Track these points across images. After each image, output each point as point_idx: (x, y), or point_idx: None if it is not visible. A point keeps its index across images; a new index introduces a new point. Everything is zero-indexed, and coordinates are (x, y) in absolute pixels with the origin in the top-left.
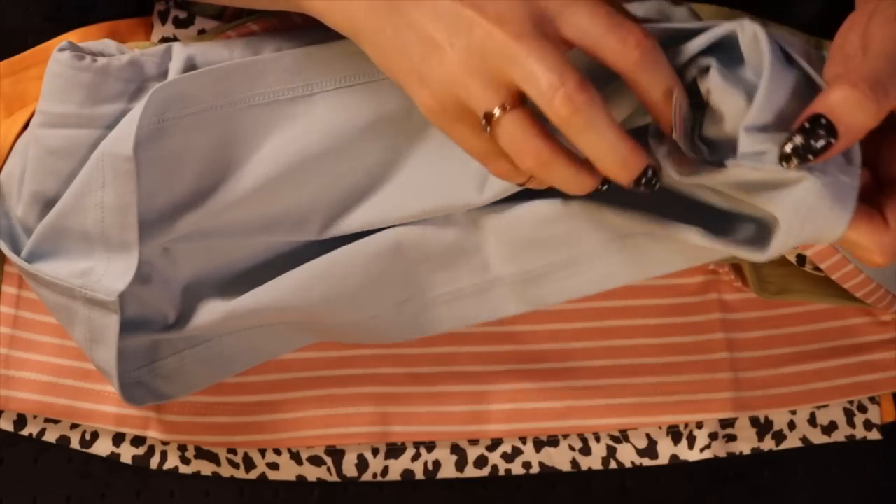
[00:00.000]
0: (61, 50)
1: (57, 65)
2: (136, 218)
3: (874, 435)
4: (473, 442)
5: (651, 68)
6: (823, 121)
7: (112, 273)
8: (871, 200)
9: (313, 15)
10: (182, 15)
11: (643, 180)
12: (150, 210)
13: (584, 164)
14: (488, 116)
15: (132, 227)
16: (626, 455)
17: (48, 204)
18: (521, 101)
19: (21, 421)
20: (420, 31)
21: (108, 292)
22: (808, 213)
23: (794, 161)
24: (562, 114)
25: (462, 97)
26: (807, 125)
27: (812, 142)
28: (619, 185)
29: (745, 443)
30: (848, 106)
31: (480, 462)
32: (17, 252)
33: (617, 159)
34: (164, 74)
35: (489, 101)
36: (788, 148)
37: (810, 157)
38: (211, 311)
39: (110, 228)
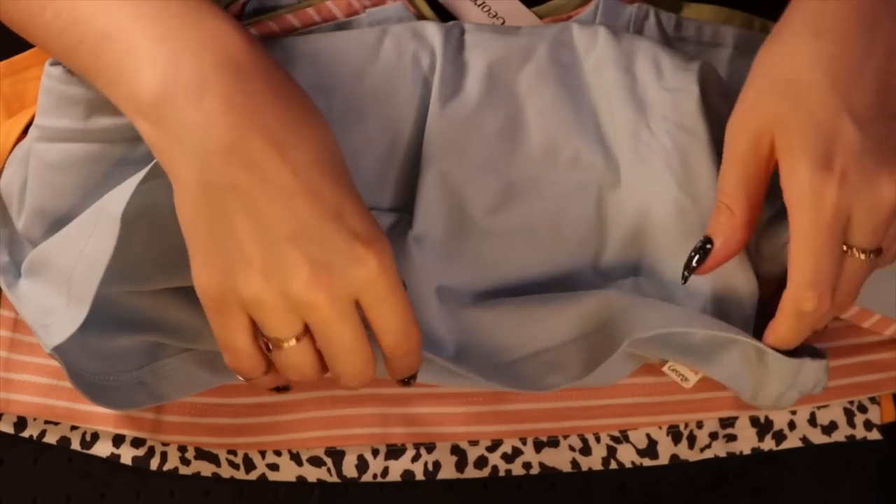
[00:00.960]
0: (53, 64)
1: (49, 80)
2: (100, 277)
3: (874, 435)
4: (473, 443)
5: (402, 357)
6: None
7: (62, 322)
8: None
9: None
10: None
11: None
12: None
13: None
14: (277, 341)
15: (92, 285)
16: (627, 455)
17: (49, 218)
18: (308, 332)
19: (21, 423)
20: (240, 239)
21: (50, 341)
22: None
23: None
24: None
25: (256, 311)
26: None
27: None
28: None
29: (745, 443)
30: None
31: (480, 463)
32: (20, 260)
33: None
34: None
35: (285, 332)
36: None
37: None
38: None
39: (77, 278)
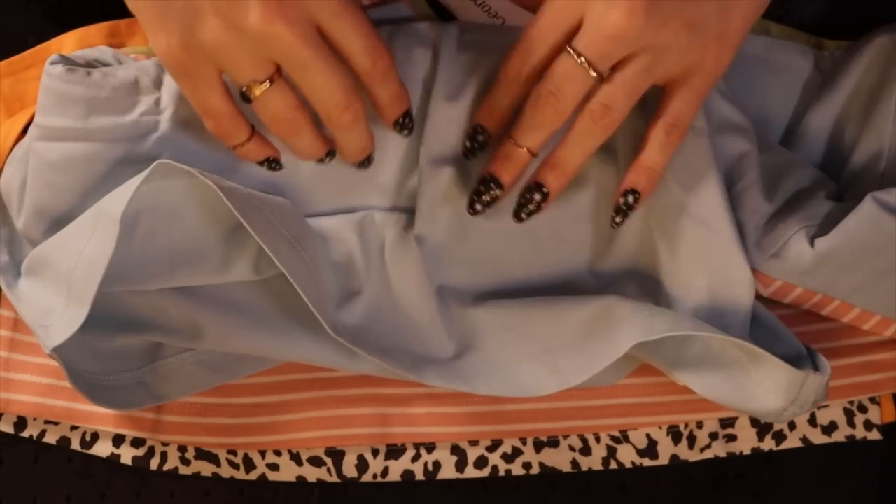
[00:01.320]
0: (53, 63)
1: (49, 79)
2: (100, 278)
3: (874, 435)
4: (473, 443)
5: (381, 79)
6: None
7: (62, 322)
8: None
9: None
10: None
11: (402, 121)
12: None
13: (321, 136)
14: (250, 86)
15: (92, 286)
16: (627, 455)
17: (49, 217)
18: (281, 73)
19: (21, 423)
20: None
21: (50, 341)
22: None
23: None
24: (343, 121)
25: (224, 63)
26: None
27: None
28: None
29: (745, 443)
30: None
31: (480, 463)
32: (20, 259)
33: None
34: (157, 85)
35: (256, 74)
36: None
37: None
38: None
39: (77, 279)
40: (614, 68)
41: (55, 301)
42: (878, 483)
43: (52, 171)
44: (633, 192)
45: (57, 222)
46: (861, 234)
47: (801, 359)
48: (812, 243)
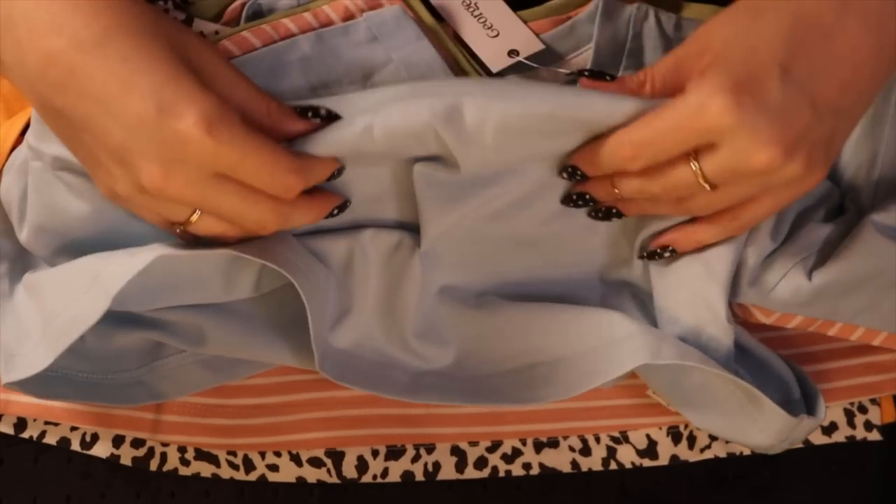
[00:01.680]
0: None
1: None
2: (73, 339)
3: (874, 436)
4: (473, 443)
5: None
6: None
7: (26, 360)
8: None
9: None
10: (181, 17)
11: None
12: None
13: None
14: (182, 223)
15: (66, 342)
16: (627, 456)
17: (50, 234)
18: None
19: (21, 424)
20: (93, 151)
21: (7, 376)
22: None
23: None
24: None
25: (146, 210)
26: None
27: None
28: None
29: None
30: None
31: (480, 463)
32: (21, 269)
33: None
34: None
35: (180, 215)
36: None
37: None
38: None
39: (56, 326)
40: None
41: (33, 328)
42: (878, 483)
43: (49, 192)
44: (672, 250)
45: (60, 239)
46: (859, 261)
47: (791, 400)
48: (810, 276)
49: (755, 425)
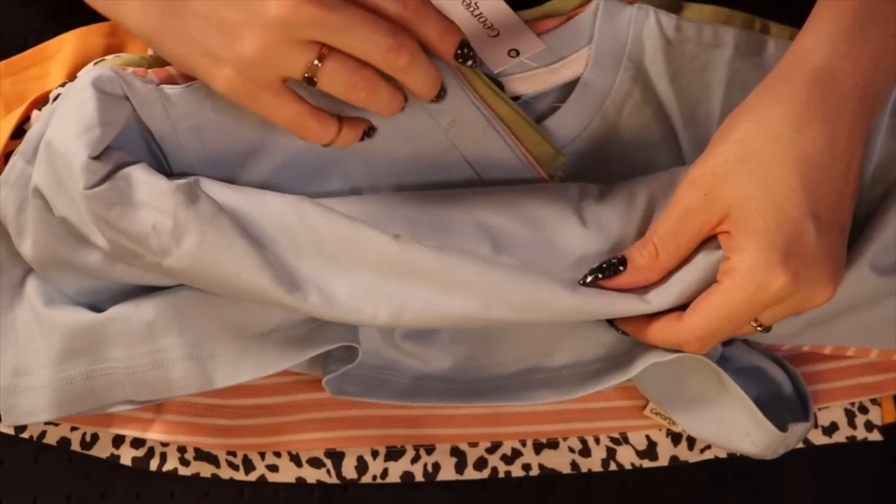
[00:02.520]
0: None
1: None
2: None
3: (875, 436)
4: (473, 444)
5: (419, 18)
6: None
7: (23, 404)
8: None
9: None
10: None
11: (462, 52)
12: None
13: (395, 87)
14: (311, 70)
15: (44, 417)
16: (626, 456)
17: (52, 263)
18: (329, 47)
19: (21, 424)
20: (211, 17)
21: (8, 417)
22: None
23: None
24: (401, 63)
25: (275, 65)
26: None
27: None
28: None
29: None
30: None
31: (480, 464)
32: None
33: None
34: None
35: (307, 58)
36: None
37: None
38: None
39: (44, 395)
40: None
41: (23, 365)
42: (879, 483)
43: (52, 239)
44: (679, 351)
45: (61, 267)
46: (845, 295)
47: (782, 397)
48: None
49: (747, 439)
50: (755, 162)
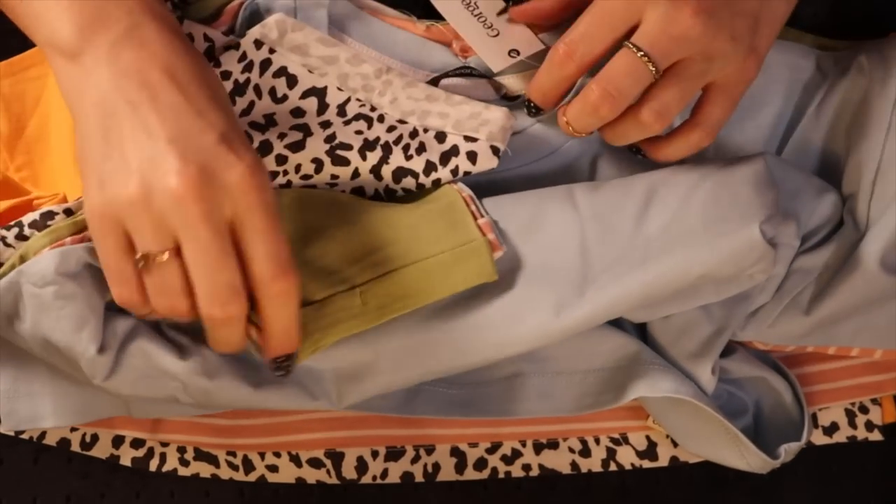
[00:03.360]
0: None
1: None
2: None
3: (875, 436)
4: (473, 444)
5: (276, 299)
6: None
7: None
8: None
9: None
10: (176, 14)
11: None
12: None
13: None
14: (148, 256)
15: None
16: (626, 457)
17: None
18: (180, 253)
19: None
20: (124, 146)
21: (11, 421)
22: None
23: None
24: (213, 316)
25: (128, 224)
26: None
27: None
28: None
29: None
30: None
31: (480, 464)
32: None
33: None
34: None
35: (157, 244)
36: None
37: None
38: None
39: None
40: (667, 70)
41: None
42: (878, 483)
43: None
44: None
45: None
46: (855, 295)
47: (781, 404)
48: (807, 310)
49: (742, 459)
50: None
